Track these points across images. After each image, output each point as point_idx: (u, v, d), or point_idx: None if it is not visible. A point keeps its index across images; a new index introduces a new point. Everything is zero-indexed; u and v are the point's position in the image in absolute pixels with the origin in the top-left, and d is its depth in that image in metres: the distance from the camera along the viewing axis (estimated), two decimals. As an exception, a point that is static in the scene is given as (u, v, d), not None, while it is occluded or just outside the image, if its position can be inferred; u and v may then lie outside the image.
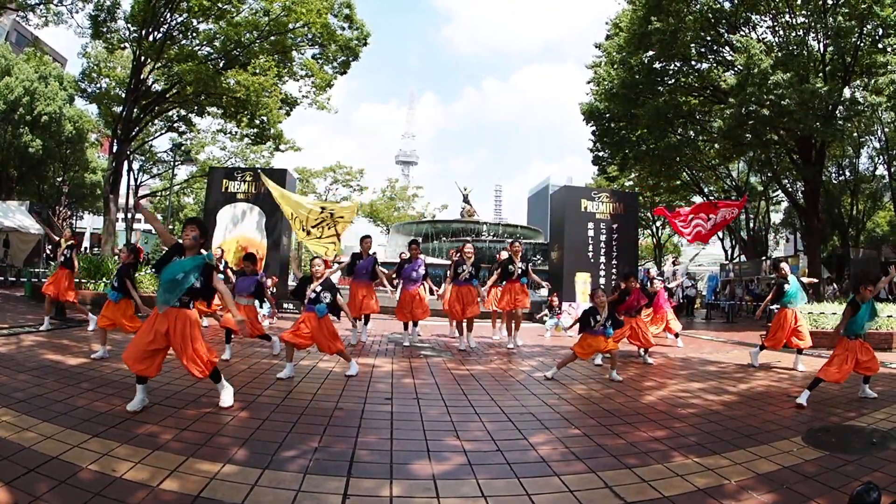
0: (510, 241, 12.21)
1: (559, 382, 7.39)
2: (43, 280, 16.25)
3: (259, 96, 22.37)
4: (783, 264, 9.90)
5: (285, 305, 16.37)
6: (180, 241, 5.40)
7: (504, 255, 11.70)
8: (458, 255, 10.98)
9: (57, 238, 12.11)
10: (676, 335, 12.51)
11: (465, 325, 10.72)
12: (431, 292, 11.50)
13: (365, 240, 10.80)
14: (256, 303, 10.81)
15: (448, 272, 11.03)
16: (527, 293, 11.02)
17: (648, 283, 12.75)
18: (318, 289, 7.17)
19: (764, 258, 32.16)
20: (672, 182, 31.74)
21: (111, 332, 9.90)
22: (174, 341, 5.12)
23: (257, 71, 22.72)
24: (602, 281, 18.63)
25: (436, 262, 23.00)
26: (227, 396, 5.42)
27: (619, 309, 9.32)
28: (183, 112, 28.22)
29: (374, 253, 10.73)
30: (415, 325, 11.06)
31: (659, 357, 10.38)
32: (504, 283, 10.97)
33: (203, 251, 5.38)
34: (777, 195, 36.64)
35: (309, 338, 7.06)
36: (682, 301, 17.71)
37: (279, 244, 17.94)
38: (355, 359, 8.58)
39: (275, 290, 14.58)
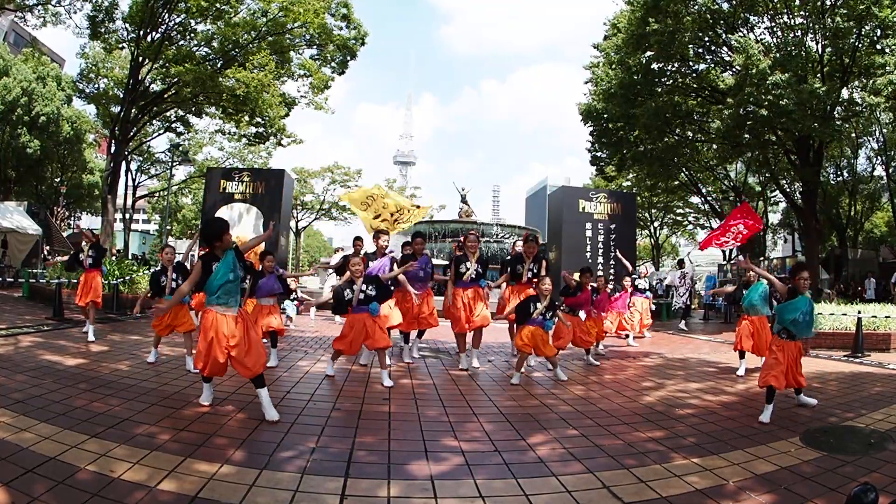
0: (522, 238, 9.66)
1: (557, 383, 7.39)
2: (41, 281, 16.23)
3: (259, 93, 22.37)
4: (739, 261, 9.57)
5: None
6: (205, 250, 5.40)
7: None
8: (460, 249, 8.96)
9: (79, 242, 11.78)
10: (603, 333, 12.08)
11: (470, 337, 8.50)
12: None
13: (380, 235, 8.60)
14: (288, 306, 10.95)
15: (447, 272, 8.90)
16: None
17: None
18: (365, 288, 6.84)
19: (762, 259, 32.19)
20: (670, 182, 31.76)
21: (110, 333, 9.90)
22: (241, 341, 5.14)
23: (256, 68, 22.71)
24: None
25: (434, 262, 23.07)
26: (268, 405, 5.21)
27: (567, 301, 8.84)
28: (181, 112, 28.24)
29: (392, 252, 8.76)
30: (419, 335, 9.24)
31: (656, 357, 10.40)
32: (514, 285, 8.94)
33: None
34: (775, 196, 36.68)
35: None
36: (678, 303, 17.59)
37: (277, 245, 17.94)
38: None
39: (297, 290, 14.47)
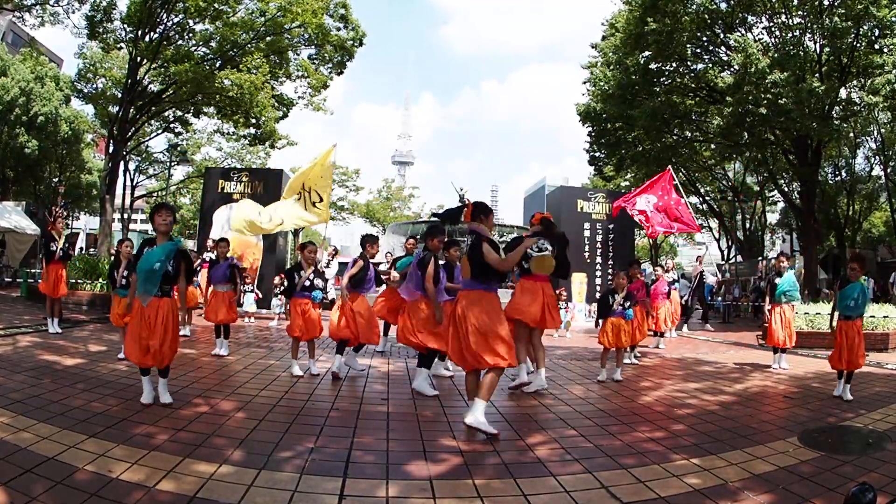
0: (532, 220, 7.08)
1: (556, 383, 7.38)
2: (39, 281, 16.20)
3: (253, 95, 22.34)
4: (782, 256, 10.06)
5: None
6: (148, 235, 5.52)
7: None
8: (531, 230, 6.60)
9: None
10: (661, 334, 12.13)
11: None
12: None
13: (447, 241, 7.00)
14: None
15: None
16: (555, 301, 7.21)
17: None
18: (313, 276, 7.38)
19: (760, 258, 32.23)
20: (668, 182, 31.77)
21: (107, 333, 9.87)
22: (156, 329, 5.24)
23: (250, 69, 22.68)
24: (598, 282, 18.66)
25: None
26: (163, 391, 5.42)
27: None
28: (179, 112, 28.19)
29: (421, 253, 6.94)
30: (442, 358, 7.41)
31: (654, 357, 10.40)
32: (524, 278, 6.93)
33: (172, 238, 5.53)
34: (773, 195, 36.73)
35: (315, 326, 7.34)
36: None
37: (275, 246, 17.94)
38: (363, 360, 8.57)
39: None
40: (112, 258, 12.85)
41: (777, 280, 9.42)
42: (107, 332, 10.27)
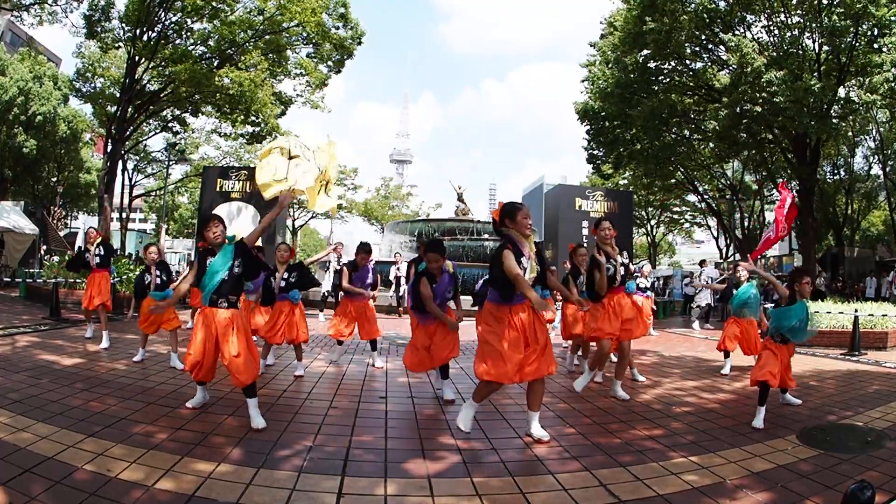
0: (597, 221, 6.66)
1: (554, 381, 7.38)
2: (38, 280, 16.20)
3: (252, 92, 22.34)
4: (739, 265, 8.95)
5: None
6: (199, 246, 5.20)
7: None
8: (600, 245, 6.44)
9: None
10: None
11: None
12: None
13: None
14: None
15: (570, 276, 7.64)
16: (643, 313, 7.07)
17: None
18: (286, 275, 7.23)
19: (759, 257, 32.22)
20: (666, 181, 31.80)
21: (114, 332, 9.85)
22: (228, 340, 4.80)
23: (249, 67, 22.68)
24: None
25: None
26: (255, 414, 4.90)
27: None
28: (177, 111, 28.19)
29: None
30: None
31: (653, 356, 10.39)
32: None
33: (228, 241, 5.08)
34: (772, 194, 36.75)
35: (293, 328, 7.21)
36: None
37: (273, 242, 17.93)
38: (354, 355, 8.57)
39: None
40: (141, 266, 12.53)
41: (734, 291, 8.48)
42: (114, 332, 10.24)
